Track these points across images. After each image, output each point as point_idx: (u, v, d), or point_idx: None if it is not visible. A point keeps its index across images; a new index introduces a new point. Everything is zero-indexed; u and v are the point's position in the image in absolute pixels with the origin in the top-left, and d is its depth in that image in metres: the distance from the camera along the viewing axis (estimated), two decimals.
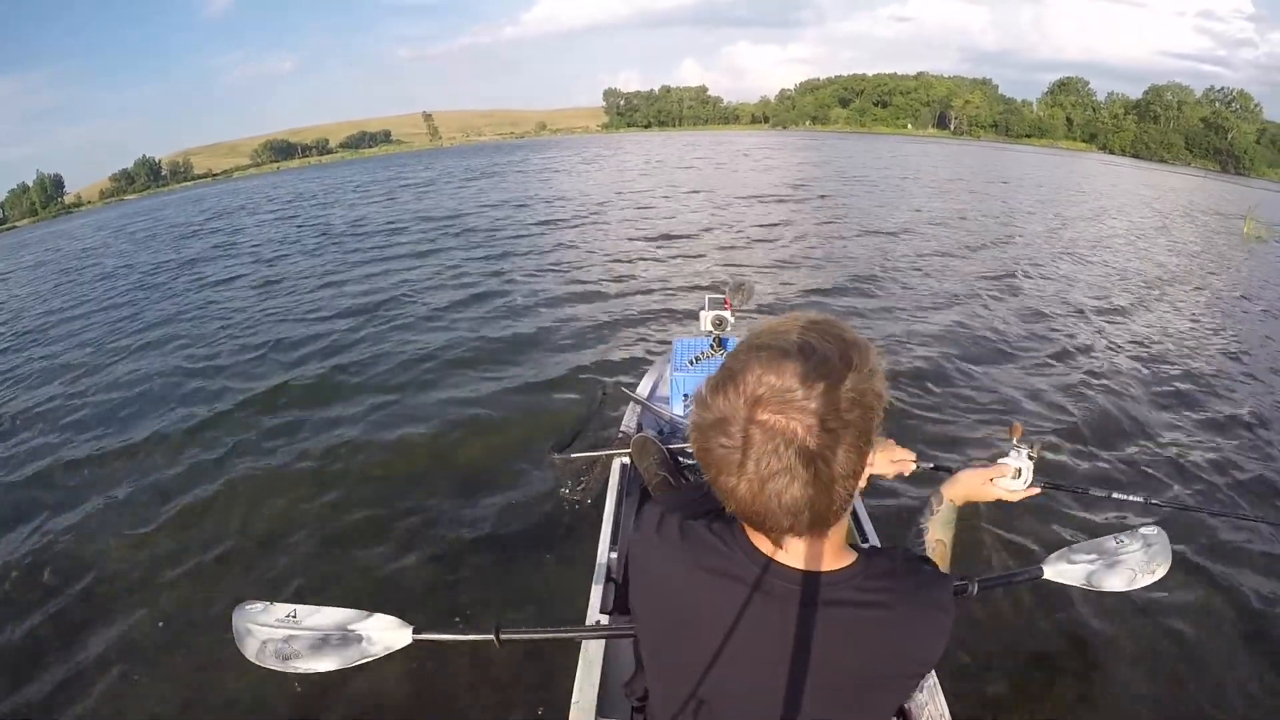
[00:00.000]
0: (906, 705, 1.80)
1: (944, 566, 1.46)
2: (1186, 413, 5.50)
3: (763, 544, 1.00)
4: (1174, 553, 1.86)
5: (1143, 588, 1.80)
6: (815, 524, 0.90)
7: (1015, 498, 1.64)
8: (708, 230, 13.59)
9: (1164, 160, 78.24)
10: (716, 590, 1.01)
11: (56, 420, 6.14)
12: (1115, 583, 1.77)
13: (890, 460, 1.72)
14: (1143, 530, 1.88)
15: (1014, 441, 1.63)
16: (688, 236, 12.82)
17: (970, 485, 1.62)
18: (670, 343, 3.93)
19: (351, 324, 8.37)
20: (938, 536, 1.52)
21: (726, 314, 3.45)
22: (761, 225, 14.11)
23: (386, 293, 9.84)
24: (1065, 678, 2.89)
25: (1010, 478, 1.61)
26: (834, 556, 1.00)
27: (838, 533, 0.98)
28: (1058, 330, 7.45)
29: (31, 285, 16.29)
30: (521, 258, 11.86)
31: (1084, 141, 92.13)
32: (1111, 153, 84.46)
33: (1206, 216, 20.44)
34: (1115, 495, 2.26)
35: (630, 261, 11.10)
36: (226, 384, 6.50)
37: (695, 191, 20.62)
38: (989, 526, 3.75)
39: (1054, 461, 4.48)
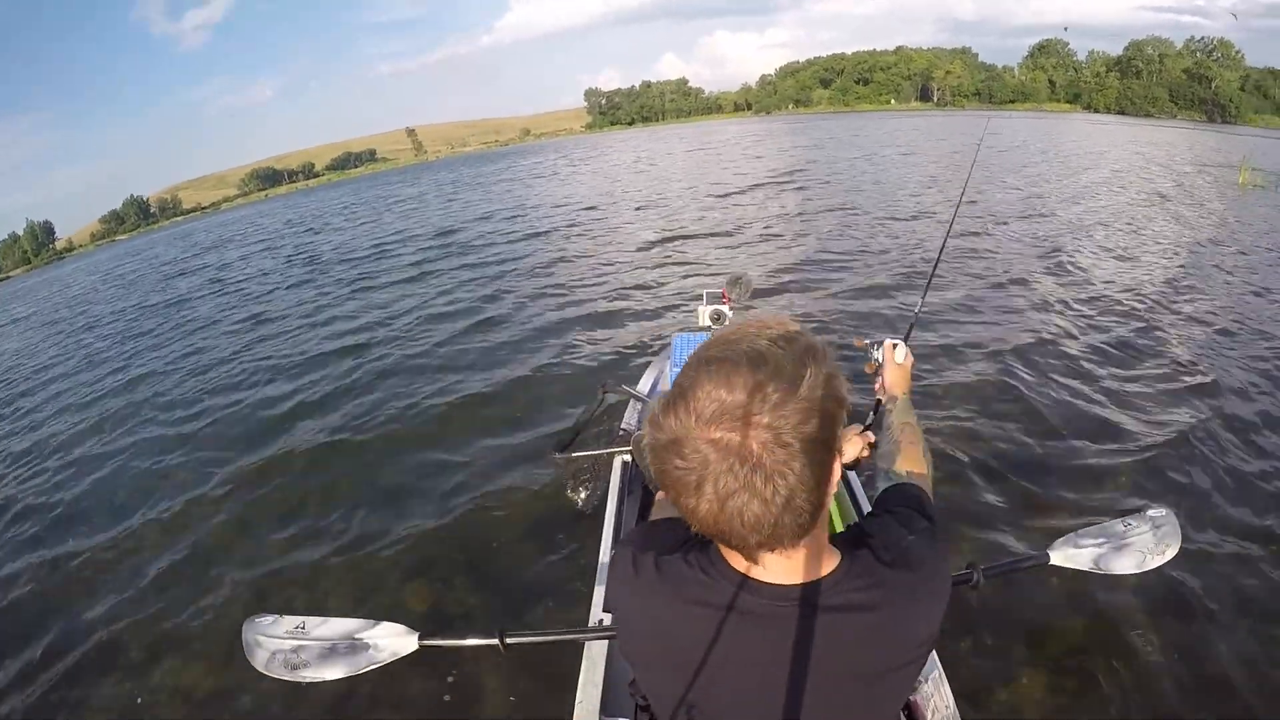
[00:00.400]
0: (912, 698, 1.78)
1: (920, 443, 1.51)
2: None
3: (741, 565, 0.97)
4: (1187, 539, 1.81)
5: (1153, 569, 1.72)
6: (783, 539, 0.86)
7: (910, 358, 1.80)
8: (707, 226, 13.35)
9: (1149, 114, 78.10)
10: (702, 621, 0.98)
11: (26, 510, 5.57)
12: (1124, 565, 1.69)
13: (856, 447, 1.72)
14: (1150, 512, 1.79)
15: (869, 345, 1.86)
16: (686, 236, 12.52)
17: (893, 375, 1.75)
18: (670, 339, 3.91)
19: (345, 341, 8.41)
20: (904, 421, 1.58)
21: (725, 308, 3.44)
22: (766, 217, 13.87)
23: (381, 309, 9.88)
24: (1071, 667, 2.85)
25: (900, 350, 1.79)
26: (815, 563, 0.97)
27: (815, 539, 0.94)
28: (1133, 321, 6.79)
29: (19, 339, 16.08)
30: (516, 264, 11.86)
31: (1068, 102, 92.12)
32: (1096, 111, 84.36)
33: (1216, 170, 20.20)
34: None
35: (627, 261, 11.06)
36: (214, 455, 5.85)
37: (691, 187, 20.39)
38: (987, 520, 3.76)
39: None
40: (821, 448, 0.82)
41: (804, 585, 0.95)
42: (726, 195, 17.58)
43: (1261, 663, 2.83)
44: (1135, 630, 2.99)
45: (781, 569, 0.94)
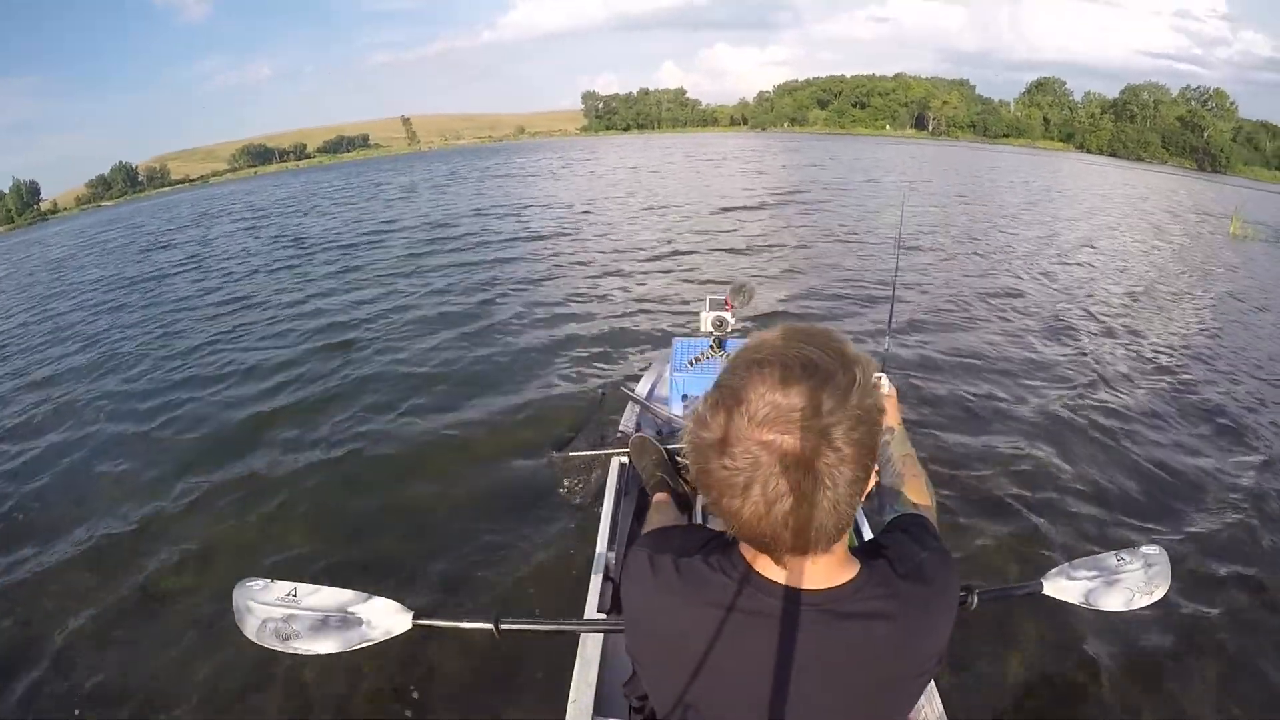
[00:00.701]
0: None
1: (922, 475, 1.52)
2: None
3: (765, 568, 0.98)
4: (1174, 571, 1.81)
5: (1139, 609, 1.73)
6: (821, 542, 0.89)
7: (893, 389, 1.82)
8: (709, 237, 13.25)
9: (1141, 159, 79.15)
10: (726, 624, 0.98)
11: None
12: (1113, 602, 1.71)
13: None
14: (1144, 549, 1.81)
15: None
16: (687, 246, 12.50)
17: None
18: (670, 343, 3.88)
19: (335, 334, 8.21)
20: (903, 453, 1.57)
21: (727, 315, 3.41)
22: (769, 233, 13.78)
23: (376, 304, 9.61)
24: (1060, 684, 2.93)
25: (885, 382, 1.81)
26: (836, 570, 0.98)
27: (840, 546, 0.96)
28: (1162, 371, 6.67)
29: None
30: (515, 264, 11.70)
31: (1061, 141, 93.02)
32: (1089, 152, 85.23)
33: (1215, 219, 20.31)
34: None
35: (628, 266, 10.98)
36: (197, 440, 5.58)
37: (692, 198, 20.09)
38: (990, 538, 3.85)
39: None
40: (867, 454, 0.85)
41: (824, 591, 0.96)
42: (730, 210, 17.38)
43: (1246, 699, 2.91)
44: (1126, 658, 3.05)
45: (803, 574, 0.96)
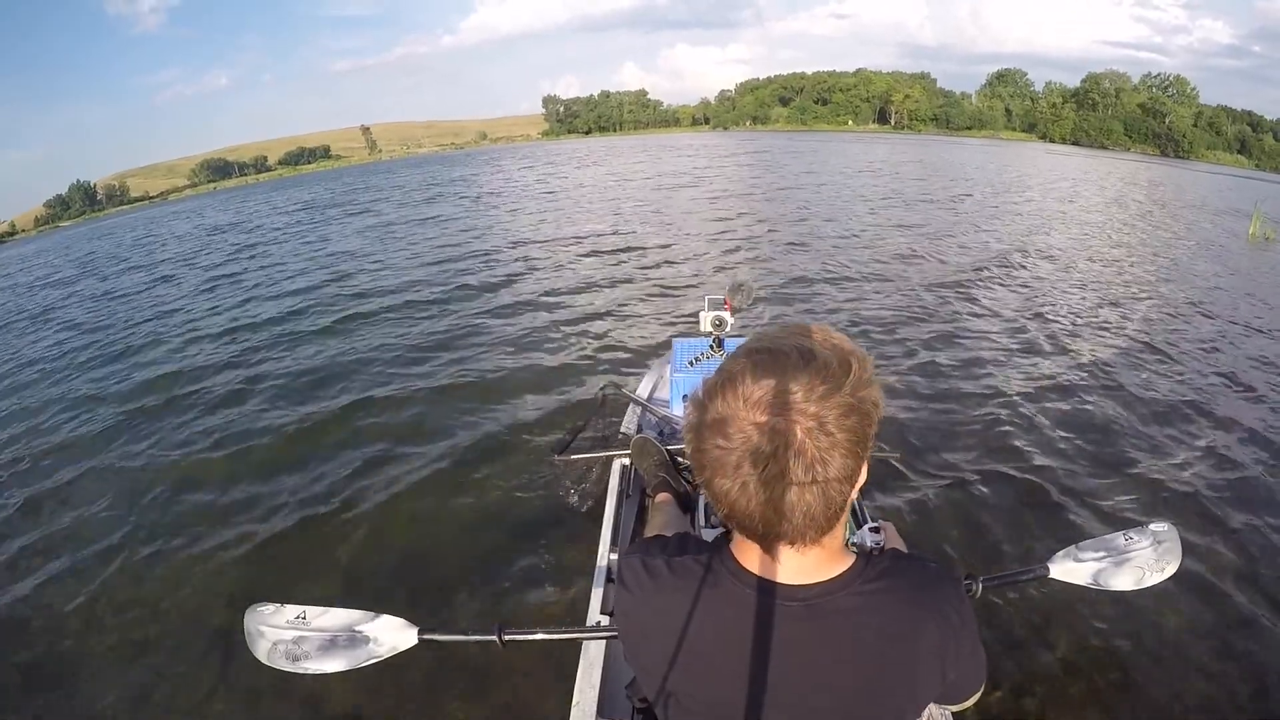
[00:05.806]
0: None
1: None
2: None
3: (752, 562, 0.99)
4: (1184, 549, 1.75)
5: (1150, 586, 1.67)
6: (810, 529, 0.90)
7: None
8: (706, 238, 13.07)
9: (1104, 147, 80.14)
10: (715, 619, 1.00)
11: None
12: (1123, 582, 1.66)
13: None
14: (1153, 527, 1.74)
15: None
16: (684, 246, 12.34)
17: None
18: (670, 344, 3.93)
19: (343, 331, 8.31)
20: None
21: (726, 314, 3.41)
22: (763, 234, 13.27)
23: (375, 300, 9.68)
24: (1070, 677, 2.84)
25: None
26: (828, 564, 0.99)
27: (832, 540, 0.97)
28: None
29: None
30: (512, 266, 11.55)
31: (1024, 131, 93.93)
32: (1051, 141, 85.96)
33: (1222, 217, 19.22)
34: None
35: (626, 267, 10.92)
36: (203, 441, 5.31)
37: (680, 199, 19.52)
38: (993, 522, 3.84)
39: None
40: (858, 444, 0.86)
41: (811, 585, 0.97)
42: (721, 209, 17.07)
43: (1260, 680, 2.82)
44: (1137, 644, 2.99)
45: (796, 569, 0.96)
